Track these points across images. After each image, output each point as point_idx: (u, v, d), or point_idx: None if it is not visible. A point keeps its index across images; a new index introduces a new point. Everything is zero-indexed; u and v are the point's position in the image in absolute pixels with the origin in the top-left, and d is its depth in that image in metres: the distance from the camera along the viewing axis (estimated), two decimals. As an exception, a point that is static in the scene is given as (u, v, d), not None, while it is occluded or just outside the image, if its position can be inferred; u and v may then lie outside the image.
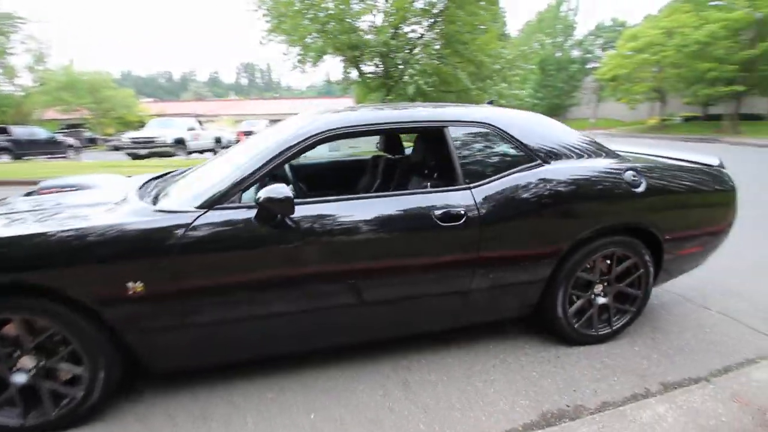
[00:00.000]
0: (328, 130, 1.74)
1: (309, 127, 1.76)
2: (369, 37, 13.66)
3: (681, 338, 2.21)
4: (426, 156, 2.17)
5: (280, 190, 1.50)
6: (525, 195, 1.84)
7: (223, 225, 1.55)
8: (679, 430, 1.56)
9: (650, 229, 2.02)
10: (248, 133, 19.00)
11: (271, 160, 1.67)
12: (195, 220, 1.53)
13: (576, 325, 2.07)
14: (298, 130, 1.75)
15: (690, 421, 1.60)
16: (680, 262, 2.20)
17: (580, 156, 2.01)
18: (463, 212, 1.76)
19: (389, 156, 3.01)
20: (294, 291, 1.66)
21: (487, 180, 1.85)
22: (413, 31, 14.26)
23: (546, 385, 1.87)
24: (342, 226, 1.66)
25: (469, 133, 1.92)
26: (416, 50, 14.24)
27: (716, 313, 2.48)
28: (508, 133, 1.93)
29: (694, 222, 2.13)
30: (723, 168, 2.27)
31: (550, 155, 1.95)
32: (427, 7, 13.45)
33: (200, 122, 16.43)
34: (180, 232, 1.50)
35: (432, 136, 2.03)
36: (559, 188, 1.87)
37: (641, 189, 1.97)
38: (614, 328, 2.15)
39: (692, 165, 2.21)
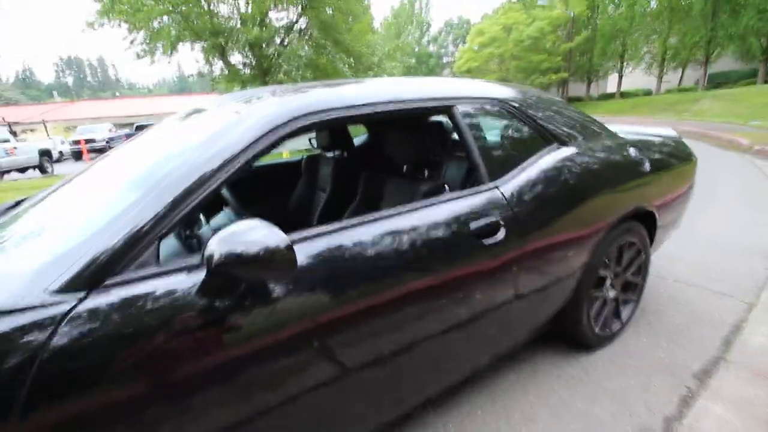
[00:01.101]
0: (306, 115, 1.08)
1: (273, 115, 1.05)
2: (234, 23, 12.14)
3: (669, 317, 2.17)
4: (412, 148, 1.61)
5: (261, 231, 0.81)
6: (555, 185, 1.47)
7: (129, 318, 0.78)
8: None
9: (649, 208, 1.85)
10: (89, 141, 15.36)
11: (207, 179, 0.94)
12: (61, 321, 0.72)
13: (596, 328, 1.83)
14: (253, 122, 1.03)
15: (749, 416, 1.49)
16: (661, 238, 2.13)
17: (587, 135, 1.71)
18: (500, 220, 1.29)
19: (332, 153, 2.37)
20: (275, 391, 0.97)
21: (510, 172, 1.41)
22: (284, 18, 13.21)
23: (598, 413, 1.55)
24: (355, 273, 1.03)
25: (479, 113, 1.44)
26: (290, 39, 13.24)
27: (673, 282, 2.54)
28: (523, 111, 1.52)
29: (674, 195, 2.06)
30: (680, 138, 2.26)
31: (565, 135, 1.60)
32: (293, -8, 12.56)
33: (13, 132, 12.55)
34: (27, 351, 0.69)
35: (425, 119, 1.50)
36: (588, 173, 1.55)
37: (647, 167, 1.78)
38: (623, 321, 1.98)
39: (662, 139, 2.14)
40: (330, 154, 2.43)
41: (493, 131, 1.48)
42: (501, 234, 1.29)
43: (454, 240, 1.22)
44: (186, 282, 0.84)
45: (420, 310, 1.17)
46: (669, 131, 2.28)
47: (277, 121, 1.04)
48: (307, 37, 13.44)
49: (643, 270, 2.00)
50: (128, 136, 15.66)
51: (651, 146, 1.93)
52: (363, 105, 1.19)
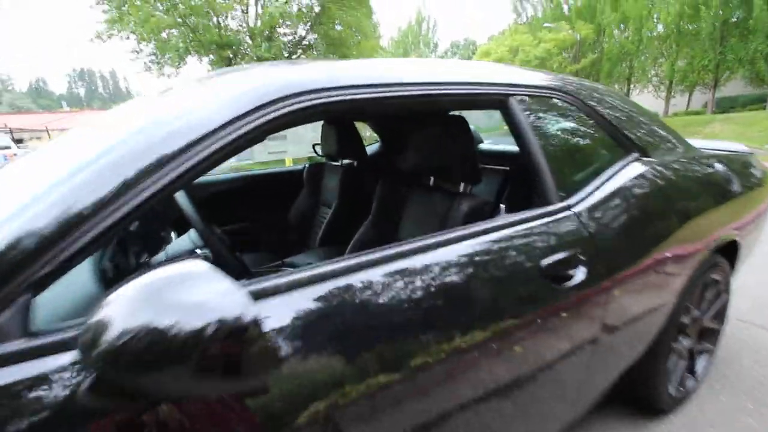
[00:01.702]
0: (310, 93, 0.74)
1: (262, 87, 0.72)
2: (242, 37, 12.10)
3: (746, 369, 1.78)
4: (444, 152, 1.25)
5: (211, 287, 0.46)
6: (643, 207, 1.13)
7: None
8: None
9: (734, 237, 1.48)
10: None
11: (156, 170, 0.61)
12: None
13: (670, 388, 1.44)
14: (233, 96, 0.71)
15: None
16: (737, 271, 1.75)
17: (666, 144, 1.35)
18: (579, 254, 0.92)
19: (340, 162, 2.02)
20: None
21: (584, 188, 1.05)
22: (294, 33, 13.18)
23: None
24: (368, 329, 0.70)
25: (543, 109, 1.09)
26: (298, 54, 13.18)
27: (738, 321, 2.15)
28: (596, 110, 1.17)
29: (755, 220, 1.69)
30: (752, 154, 1.91)
31: (646, 143, 1.24)
32: (303, 10, 12.53)
33: (19, 139, 12.38)
34: None
35: (454, 120, 1.16)
36: (679, 193, 1.20)
37: (737, 187, 1.42)
38: (698, 377, 1.59)
39: (737, 154, 1.78)
40: (337, 163, 2.08)
41: (558, 133, 1.12)
42: (581, 273, 0.92)
43: (518, 283, 0.85)
44: (68, 373, 0.47)
45: (461, 377, 0.80)
46: (739, 146, 1.93)
47: (265, 97, 0.69)
48: (315, 53, 13.38)
49: (722, 313, 1.62)
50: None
51: (732, 162, 1.57)
52: (388, 86, 0.84)
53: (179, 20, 11.06)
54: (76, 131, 0.98)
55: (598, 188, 1.09)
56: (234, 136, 0.66)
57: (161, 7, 10.94)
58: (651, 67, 22.83)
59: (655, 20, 21.46)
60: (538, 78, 1.16)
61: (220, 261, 0.97)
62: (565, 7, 27.45)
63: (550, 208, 0.99)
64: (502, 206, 1.02)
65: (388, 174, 1.80)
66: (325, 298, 0.67)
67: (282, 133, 5.79)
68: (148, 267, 1.01)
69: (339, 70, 0.84)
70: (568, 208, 1.01)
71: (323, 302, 0.67)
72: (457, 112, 1.36)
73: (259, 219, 2.27)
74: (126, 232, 1.06)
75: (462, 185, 1.38)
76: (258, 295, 0.62)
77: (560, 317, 0.93)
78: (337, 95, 0.76)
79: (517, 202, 1.96)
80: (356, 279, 0.71)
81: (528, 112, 1.05)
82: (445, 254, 0.81)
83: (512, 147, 2.54)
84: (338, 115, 1.11)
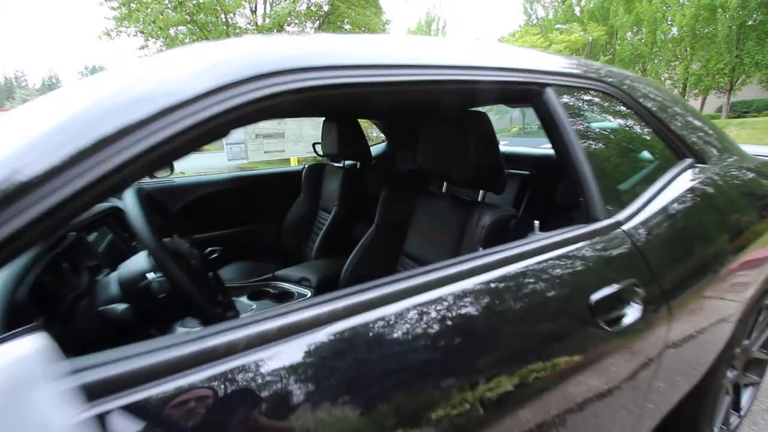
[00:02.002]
0: (298, 71, 0.57)
1: (249, 60, 0.56)
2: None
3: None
4: (463, 153, 1.06)
5: None
6: (704, 223, 0.93)
7: None
8: None
9: None
10: None
11: (96, 150, 0.45)
12: None
13: (715, 427, 1.25)
14: (206, 67, 0.54)
15: None
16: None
17: (721, 147, 1.15)
18: (636, 286, 0.74)
19: (342, 164, 1.84)
20: None
21: (635, 201, 0.87)
22: (302, 31, 13.07)
23: None
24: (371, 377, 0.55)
25: (585, 103, 0.91)
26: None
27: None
28: (646, 107, 0.98)
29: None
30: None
31: (702, 147, 1.05)
32: (313, 8, 12.42)
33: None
34: None
35: (473, 118, 0.98)
36: (744, 206, 1.01)
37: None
38: (742, 413, 1.39)
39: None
40: (339, 165, 1.91)
41: (599, 132, 0.93)
42: (636, 310, 0.73)
43: (561, 323, 0.67)
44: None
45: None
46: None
47: (249, 71, 0.52)
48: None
49: (773, 341, 1.42)
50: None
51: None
52: (397, 68, 0.66)
53: (187, 17, 10.99)
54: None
55: (650, 200, 0.91)
56: (202, 116, 0.49)
57: (170, 5, 10.88)
58: (664, 70, 22.40)
59: (669, 23, 21.06)
60: (578, 66, 0.97)
61: (179, 291, 0.80)
62: (577, 9, 27.13)
63: (597, 225, 0.81)
64: (536, 223, 0.83)
65: (394, 178, 1.62)
66: (320, 349, 0.50)
67: (280, 129, 5.56)
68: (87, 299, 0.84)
69: (340, 45, 0.66)
70: (618, 225, 0.83)
71: (317, 355, 0.50)
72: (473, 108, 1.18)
73: (253, 224, 2.11)
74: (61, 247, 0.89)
75: (481, 193, 1.20)
76: (227, 352, 0.45)
77: (608, 361, 0.74)
78: (333, 77, 0.59)
79: (537, 211, 1.78)
80: (357, 321, 0.54)
81: (567, 107, 0.87)
82: (470, 284, 0.63)
83: (530, 149, 2.36)
84: (337, 104, 0.93)
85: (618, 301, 0.74)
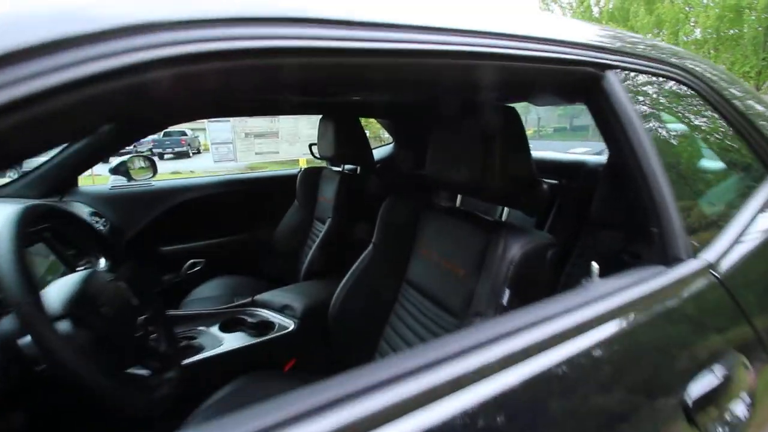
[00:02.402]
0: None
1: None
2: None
3: None
4: (494, 163, 0.80)
5: None
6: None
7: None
8: None
9: None
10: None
11: None
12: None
13: None
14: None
15: None
16: None
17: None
18: (744, 365, 0.47)
19: (346, 168, 1.61)
20: None
21: (726, 232, 0.61)
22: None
23: None
24: None
25: (658, 94, 0.65)
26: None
27: None
28: (734, 107, 0.72)
29: None
30: None
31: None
32: None
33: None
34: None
35: (503, 114, 0.73)
36: None
37: None
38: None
39: None
40: (338, 169, 1.68)
41: (677, 136, 0.68)
42: (741, 409, 0.47)
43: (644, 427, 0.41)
44: None
45: None
46: None
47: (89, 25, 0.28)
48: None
49: None
50: (154, 141, 15.42)
51: None
52: (395, 29, 0.42)
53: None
54: None
55: (745, 231, 0.64)
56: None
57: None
58: (686, 73, 21.79)
59: (692, 24, 20.47)
60: (650, 46, 0.71)
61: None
62: (596, 10, 26.55)
63: (681, 270, 0.56)
64: (596, 267, 0.58)
65: (398, 187, 1.38)
66: None
67: (273, 128, 5.18)
68: None
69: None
70: (710, 269, 0.57)
71: None
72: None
73: (242, 234, 1.88)
74: None
75: (502, 212, 0.95)
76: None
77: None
78: (284, 38, 0.35)
79: (565, 227, 1.51)
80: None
81: (636, 99, 0.62)
82: (493, 384, 0.38)
83: (558, 154, 2.09)
84: (286, 87, 0.68)
85: (724, 393, 0.49)
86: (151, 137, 18.44)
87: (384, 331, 1.08)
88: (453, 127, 0.88)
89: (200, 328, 1.19)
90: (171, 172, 9.55)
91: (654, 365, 0.49)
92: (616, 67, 0.62)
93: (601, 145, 0.82)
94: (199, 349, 1.08)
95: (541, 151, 2.03)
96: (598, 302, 0.49)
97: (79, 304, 0.60)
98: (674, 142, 0.67)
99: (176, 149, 14.43)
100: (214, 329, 1.18)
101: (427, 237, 1.05)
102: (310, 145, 1.84)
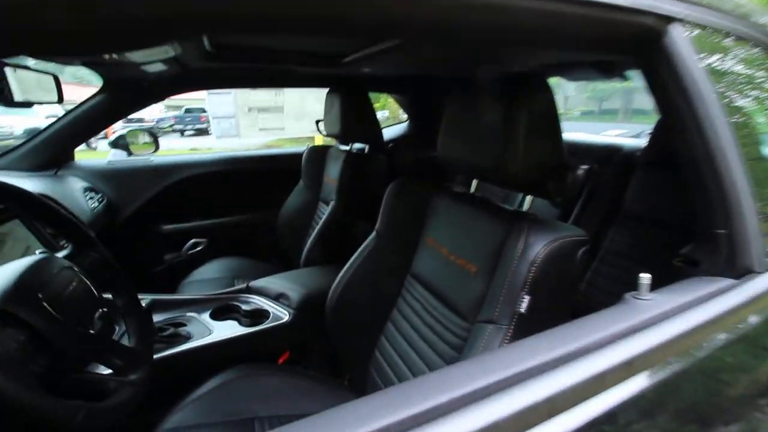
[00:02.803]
0: None
1: None
2: None
3: None
4: (520, 144, 0.66)
5: None
6: None
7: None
8: None
9: None
10: (138, 121, 15.43)
11: None
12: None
13: None
14: None
15: None
16: None
17: None
18: None
19: (354, 146, 1.50)
20: None
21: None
22: None
23: None
24: None
25: (737, 63, 0.50)
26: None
27: None
28: None
29: None
30: None
31: None
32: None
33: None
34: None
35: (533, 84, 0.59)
36: None
37: None
38: None
39: None
40: (346, 147, 1.56)
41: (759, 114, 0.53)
42: None
43: None
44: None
45: None
46: None
47: None
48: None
49: None
50: (176, 117, 15.61)
51: None
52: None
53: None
54: None
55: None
56: None
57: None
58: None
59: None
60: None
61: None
62: None
63: (757, 284, 0.42)
64: (646, 278, 0.46)
65: (408, 169, 1.26)
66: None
67: (278, 102, 4.92)
68: None
69: None
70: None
71: None
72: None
73: (246, 214, 1.80)
74: None
75: (524, 200, 0.82)
76: None
77: None
78: None
79: (596, 216, 1.36)
80: None
81: (708, 65, 0.47)
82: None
83: (590, 136, 1.91)
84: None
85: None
86: (172, 114, 18.66)
87: (384, 328, 0.98)
88: (472, 99, 0.75)
89: (190, 314, 1.12)
90: (190, 149, 9.60)
91: (723, 411, 0.37)
92: (685, 20, 0.47)
93: (640, 128, 0.68)
94: (187, 338, 1.01)
95: (570, 133, 1.85)
96: (651, 329, 0.37)
97: (11, 297, 0.51)
98: (756, 123, 0.53)
99: (197, 126, 14.53)
100: (205, 316, 1.11)
101: (436, 226, 0.93)
102: (317, 122, 1.72)
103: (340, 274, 1.02)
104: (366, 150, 1.52)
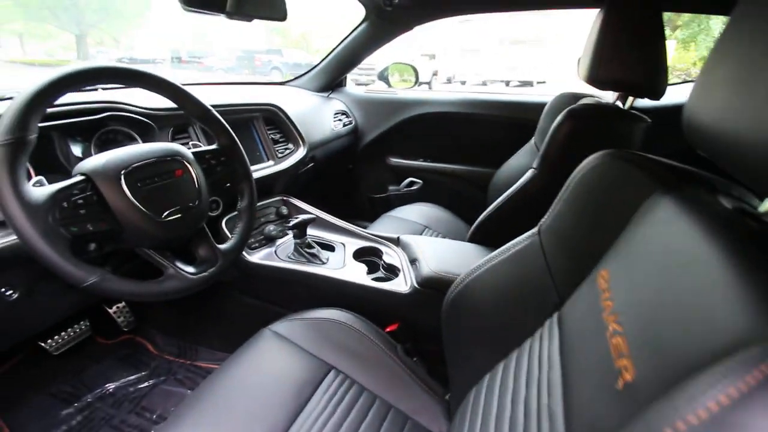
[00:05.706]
0: None
1: None
2: None
3: None
4: None
5: None
6: None
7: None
8: None
9: None
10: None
11: None
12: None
13: None
14: None
15: None
16: None
17: None
18: None
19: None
20: None
21: None
22: None
23: None
24: None
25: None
26: None
27: None
28: None
29: None
30: None
31: None
32: None
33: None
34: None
35: None
36: None
37: None
38: None
39: None
40: (595, 99, 1.05)
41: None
42: None
43: None
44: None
45: None
46: None
47: None
48: None
49: None
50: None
51: None
52: None
53: None
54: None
55: None
56: None
57: None
58: None
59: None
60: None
61: None
62: None
63: None
64: None
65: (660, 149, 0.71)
66: None
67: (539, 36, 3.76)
68: None
69: None
70: None
71: None
72: None
73: (462, 164, 1.61)
74: None
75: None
76: None
77: None
78: None
79: None
80: None
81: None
82: None
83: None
84: None
85: None
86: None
87: (495, 366, 0.64)
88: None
89: (342, 242, 1.12)
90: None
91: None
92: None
93: None
94: (322, 263, 1.02)
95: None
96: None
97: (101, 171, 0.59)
98: None
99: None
100: (350, 250, 1.08)
101: (626, 254, 0.47)
102: (579, 59, 1.22)
103: (472, 268, 0.72)
104: (623, 105, 0.97)
